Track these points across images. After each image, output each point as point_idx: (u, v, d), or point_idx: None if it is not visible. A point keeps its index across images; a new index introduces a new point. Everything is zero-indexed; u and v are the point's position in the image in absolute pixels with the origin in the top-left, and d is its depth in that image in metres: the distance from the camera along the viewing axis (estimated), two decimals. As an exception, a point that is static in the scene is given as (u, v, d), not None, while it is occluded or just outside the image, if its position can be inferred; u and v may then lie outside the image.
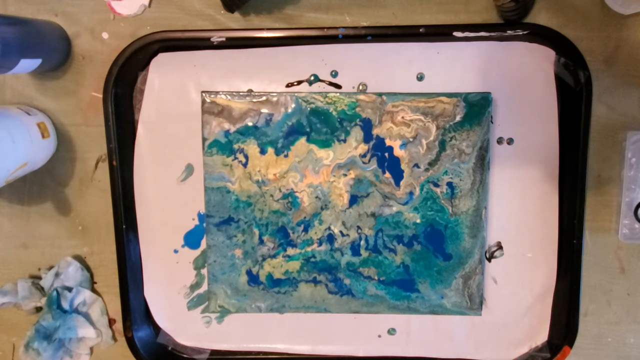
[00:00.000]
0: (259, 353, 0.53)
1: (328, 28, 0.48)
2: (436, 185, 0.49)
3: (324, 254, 0.51)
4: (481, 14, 0.48)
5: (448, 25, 0.48)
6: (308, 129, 0.49)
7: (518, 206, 0.50)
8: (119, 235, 0.50)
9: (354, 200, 0.50)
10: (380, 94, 0.48)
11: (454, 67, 0.48)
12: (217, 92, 0.49)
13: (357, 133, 0.49)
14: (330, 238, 0.50)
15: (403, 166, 0.49)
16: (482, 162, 0.49)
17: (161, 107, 0.50)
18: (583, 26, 0.48)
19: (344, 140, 0.49)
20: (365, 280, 0.51)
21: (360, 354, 0.53)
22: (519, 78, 0.48)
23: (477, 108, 0.48)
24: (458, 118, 0.48)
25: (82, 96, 0.51)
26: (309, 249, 0.51)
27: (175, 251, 0.52)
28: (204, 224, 0.51)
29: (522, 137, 0.49)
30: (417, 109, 0.48)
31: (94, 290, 0.54)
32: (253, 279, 0.51)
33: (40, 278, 0.53)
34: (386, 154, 0.49)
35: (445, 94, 0.48)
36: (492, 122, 0.49)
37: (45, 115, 0.50)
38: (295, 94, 0.48)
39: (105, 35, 0.50)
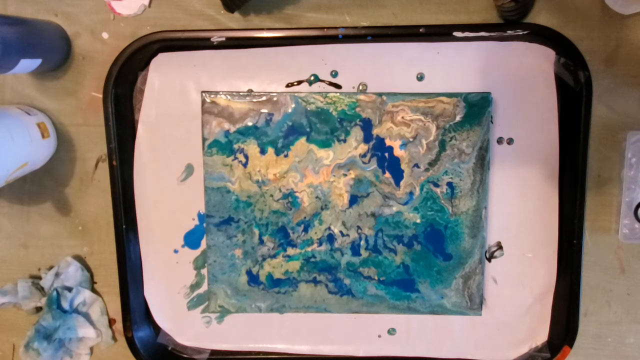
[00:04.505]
0: (259, 353, 0.53)
1: (328, 28, 0.48)
2: (436, 185, 0.49)
3: (324, 254, 0.51)
4: (481, 14, 0.48)
5: (448, 25, 0.48)
6: (308, 129, 0.49)
7: (518, 206, 0.50)
8: (119, 235, 0.50)
9: (354, 200, 0.50)
10: (380, 94, 0.48)
11: (454, 67, 0.48)
12: (217, 92, 0.49)
13: (357, 133, 0.49)
14: (330, 238, 0.50)
15: (403, 166, 0.49)
16: (482, 162, 0.49)
17: (161, 107, 0.50)
18: (583, 26, 0.48)
19: (344, 140, 0.49)
20: (365, 280, 0.51)
21: (360, 354, 0.53)
22: (519, 78, 0.48)
23: (477, 108, 0.48)
24: (458, 118, 0.48)
25: (82, 96, 0.51)
26: (309, 249, 0.51)
27: (175, 251, 0.52)
28: (204, 224, 0.51)
29: (522, 137, 0.49)
30: (417, 109, 0.48)
31: (94, 290, 0.54)
32: (253, 279, 0.51)
33: (40, 278, 0.53)
34: (386, 154, 0.49)
35: (445, 94, 0.48)
36: (492, 122, 0.49)
37: (45, 115, 0.50)
38: (295, 94, 0.48)
39: (105, 35, 0.50)
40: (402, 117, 0.48)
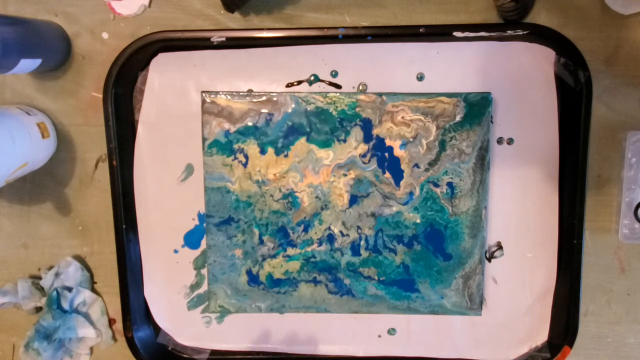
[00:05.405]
0: (259, 353, 0.53)
1: (328, 28, 0.47)
2: (436, 185, 0.49)
3: (324, 254, 0.51)
4: (481, 14, 0.48)
5: (448, 25, 0.48)
6: (308, 129, 0.49)
7: (518, 206, 0.50)
8: (119, 235, 0.50)
9: (354, 200, 0.50)
10: (380, 94, 0.48)
11: (454, 67, 0.48)
12: (217, 92, 0.49)
13: (357, 133, 0.49)
14: (330, 238, 0.50)
15: (403, 166, 0.49)
16: (482, 162, 0.49)
17: (161, 107, 0.50)
18: (583, 26, 0.48)
19: (344, 140, 0.49)
20: (365, 280, 0.51)
21: (360, 354, 0.53)
22: (519, 78, 0.48)
23: (477, 108, 0.48)
24: (458, 118, 0.48)
25: (82, 96, 0.51)
26: (309, 249, 0.51)
27: (175, 251, 0.52)
28: (204, 224, 0.51)
29: (522, 137, 0.49)
30: (417, 109, 0.48)
31: (94, 290, 0.54)
32: (253, 279, 0.51)
33: (40, 278, 0.53)
34: (386, 154, 0.49)
35: (445, 94, 0.48)
36: (492, 122, 0.49)
37: (45, 115, 0.50)
38: (295, 94, 0.48)
39: (105, 35, 0.50)
40: (402, 117, 0.48)
